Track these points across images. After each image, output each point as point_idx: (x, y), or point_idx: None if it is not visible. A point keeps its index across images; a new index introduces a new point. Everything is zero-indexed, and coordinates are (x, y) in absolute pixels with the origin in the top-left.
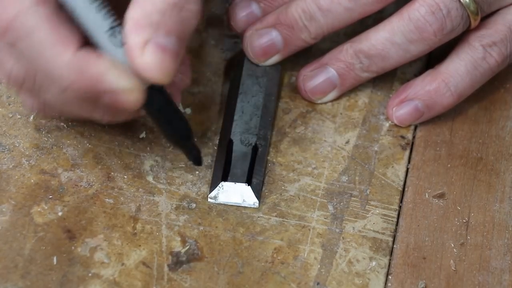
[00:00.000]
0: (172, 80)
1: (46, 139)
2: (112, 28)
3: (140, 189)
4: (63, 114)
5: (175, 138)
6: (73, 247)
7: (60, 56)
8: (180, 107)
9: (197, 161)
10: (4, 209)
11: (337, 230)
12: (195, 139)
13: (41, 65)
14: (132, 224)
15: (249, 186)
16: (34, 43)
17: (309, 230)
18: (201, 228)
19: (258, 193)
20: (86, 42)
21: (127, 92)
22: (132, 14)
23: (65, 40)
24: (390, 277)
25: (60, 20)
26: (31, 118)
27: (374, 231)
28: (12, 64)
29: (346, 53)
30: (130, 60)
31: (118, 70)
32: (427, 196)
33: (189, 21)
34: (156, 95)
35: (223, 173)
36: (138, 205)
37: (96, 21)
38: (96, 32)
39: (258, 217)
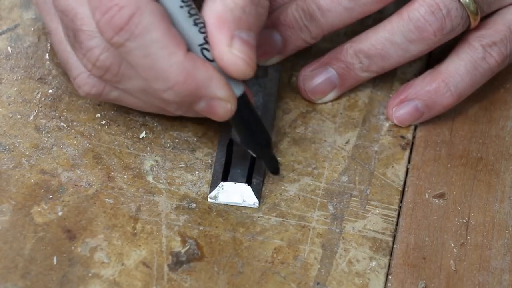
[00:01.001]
0: None
1: (46, 139)
2: (205, 43)
3: (140, 189)
4: (122, 104)
5: (256, 147)
6: (73, 247)
7: (173, 56)
8: None
9: (275, 170)
10: (4, 209)
11: (337, 230)
12: (196, 138)
13: (149, 62)
14: (132, 224)
15: (249, 186)
16: (148, 41)
17: (309, 230)
18: (201, 228)
19: (258, 193)
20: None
21: (225, 102)
22: (214, 9)
23: (177, 41)
24: (390, 277)
25: (170, 20)
26: (31, 118)
27: (374, 231)
28: (100, 52)
29: (346, 53)
30: (217, 57)
31: (222, 79)
32: (427, 196)
33: (263, 17)
34: (243, 104)
35: (223, 173)
36: (138, 205)
37: (191, 33)
38: (191, 44)
39: (258, 217)
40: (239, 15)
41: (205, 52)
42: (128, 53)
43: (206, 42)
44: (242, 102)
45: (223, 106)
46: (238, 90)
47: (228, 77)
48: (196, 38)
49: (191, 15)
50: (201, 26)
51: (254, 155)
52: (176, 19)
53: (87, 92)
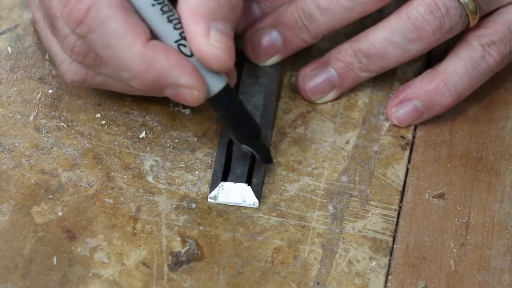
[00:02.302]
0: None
1: (46, 139)
2: (181, 39)
3: (140, 189)
4: (108, 88)
5: (245, 138)
6: (73, 247)
7: (131, 47)
8: (180, 107)
9: (267, 159)
10: (4, 209)
11: (337, 230)
12: (196, 138)
13: (111, 53)
14: (132, 224)
15: (249, 186)
16: (106, 34)
17: (309, 230)
18: (201, 228)
19: (258, 193)
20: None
21: (191, 89)
22: (189, 3)
23: (136, 31)
24: (390, 277)
25: (130, 10)
26: (31, 118)
27: (374, 231)
28: (75, 41)
29: (345, 52)
30: (195, 49)
31: (188, 67)
32: (427, 196)
33: (237, 9)
34: (226, 96)
35: (223, 173)
36: (138, 205)
37: (166, 30)
38: (167, 41)
39: (258, 217)
40: (214, 6)
41: (182, 48)
42: (92, 44)
43: (183, 38)
44: (226, 94)
45: (189, 93)
46: (220, 83)
47: (209, 70)
48: (172, 34)
49: (164, 12)
50: (175, 22)
51: (245, 146)
52: (149, 18)
53: (71, 79)
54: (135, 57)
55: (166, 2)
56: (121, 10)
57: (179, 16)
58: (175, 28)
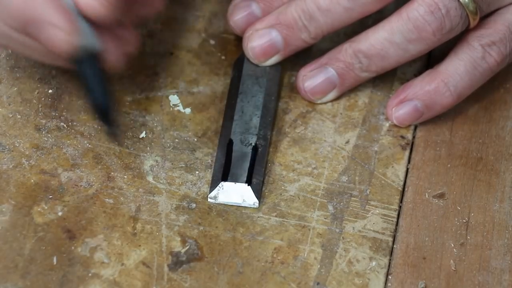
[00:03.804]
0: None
1: (46, 139)
2: None
3: (140, 189)
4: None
5: (95, 108)
6: (73, 247)
7: None
8: (180, 107)
9: (114, 135)
10: (4, 209)
11: (337, 230)
12: (196, 138)
13: None
14: (132, 224)
15: (249, 186)
16: None
17: (309, 230)
18: (201, 228)
19: (258, 193)
20: None
21: (63, 32)
22: None
23: None
24: (390, 277)
25: None
26: (31, 118)
27: (374, 231)
28: None
29: (345, 53)
30: None
31: (58, 6)
32: (427, 196)
33: None
34: (89, 61)
35: (223, 173)
36: (138, 205)
37: None
38: None
39: (258, 217)
40: None
41: None
42: None
43: None
44: (90, 60)
45: (55, 33)
46: (92, 44)
47: (88, 30)
48: None
49: None
50: None
51: (97, 117)
52: None
53: None
54: None
55: None
56: None
57: None
58: None
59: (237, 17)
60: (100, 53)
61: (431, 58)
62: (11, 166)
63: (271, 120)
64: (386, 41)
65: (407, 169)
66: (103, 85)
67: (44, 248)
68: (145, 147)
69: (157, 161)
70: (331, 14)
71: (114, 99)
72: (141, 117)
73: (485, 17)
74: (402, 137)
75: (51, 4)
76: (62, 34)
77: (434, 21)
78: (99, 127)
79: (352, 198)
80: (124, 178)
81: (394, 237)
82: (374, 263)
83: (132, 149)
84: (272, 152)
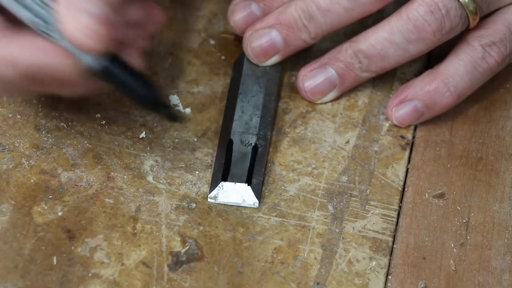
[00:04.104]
0: (124, 44)
1: (46, 139)
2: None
3: (140, 189)
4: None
5: (145, 103)
6: (73, 247)
7: None
8: (180, 107)
9: (174, 117)
10: (4, 209)
11: (337, 230)
12: (196, 138)
13: None
14: (132, 224)
15: (249, 186)
16: None
17: (309, 230)
18: (201, 228)
19: (258, 193)
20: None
21: (58, 66)
22: None
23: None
24: (390, 277)
25: None
26: (31, 118)
27: (374, 231)
28: None
29: (345, 53)
30: (60, 28)
31: (35, 46)
32: (427, 196)
33: None
34: (110, 65)
35: (223, 173)
36: (138, 205)
37: (25, 17)
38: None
39: (258, 217)
40: None
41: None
42: None
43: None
44: (108, 70)
45: (57, 70)
46: (99, 60)
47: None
48: (35, 21)
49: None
50: (37, 9)
51: (149, 110)
52: (6, 5)
53: None
54: None
55: None
56: None
57: None
58: (36, 16)
59: (237, 17)
60: (110, 59)
61: (431, 58)
62: (11, 166)
63: (271, 120)
64: (386, 41)
65: (407, 169)
66: (138, 76)
67: (44, 248)
68: (145, 147)
69: (157, 161)
70: (331, 14)
71: (154, 83)
72: (141, 117)
73: (485, 17)
74: (402, 137)
75: (25, 48)
76: (66, 70)
77: (434, 21)
78: (154, 117)
79: (352, 198)
80: (124, 178)
81: (394, 237)
82: (374, 263)
83: (132, 149)
84: (272, 152)
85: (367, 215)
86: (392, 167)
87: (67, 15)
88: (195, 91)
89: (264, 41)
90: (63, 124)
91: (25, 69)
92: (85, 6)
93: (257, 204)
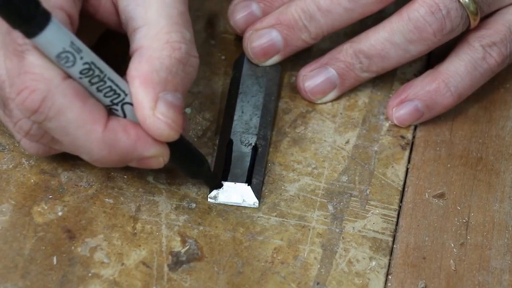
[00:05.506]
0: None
1: None
2: (112, 105)
3: (140, 189)
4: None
5: (196, 174)
6: (73, 247)
7: (91, 134)
8: None
9: (218, 186)
10: (4, 209)
11: (337, 230)
12: (196, 138)
13: (70, 140)
14: (132, 224)
15: (249, 186)
16: (64, 123)
17: (309, 230)
18: (201, 228)
19: (258, 193)
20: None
21: (156, 158)
22: (139, 69)
23: (95, 117)
24: (390, 277)
25: (85, 95)
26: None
27: (374, 231)
28: (30, 125)
29: (345, 53)
30: (140, 120)
31: (147, 140)
32: (427, 196)
33: (191, 76)
34: (176, 147)
35: (223, 173)
36: (138, 205)
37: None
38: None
39: (258, 217)
40: (165, 76)
41: (114, 111)
42: (49, 130)
43: (114, 103)
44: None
45: (154, 161)
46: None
47: None
48: (103, 101)
49: (92, 83)
50: (106, 91)
51: (197, 179)
52: None
53: (35, 153)
54: (96, 142)
55: (97, 73)
56: (76, 98)
57: (127, 81)
58: (105, 96)
59: (237, 17)
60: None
61: (431, 58)
62: (11, 166)
63: (271, 120)
64: (386, 41)
65: (407, 169)
66: (191, 148)
67: (44, 248)
68: None
69: None
70: (332, 15)
71: (203, 157)
72: None
73: (485, 17)
74: (402, 137)
75: (137, 140)
76: (157, 160)
77: (435, 21)
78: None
79: (352, 198)
80: (124, 178)
81: (394, 237)
82: (374, 263)
83: None
84: (272, 152)
85: (367, 215)
86: (392, 167)
87: (146, 104)
88: (195, 91)
89: (264, 41)
90: None
91: (120, 154)
92: (168, 98)
93: (257, 204)
